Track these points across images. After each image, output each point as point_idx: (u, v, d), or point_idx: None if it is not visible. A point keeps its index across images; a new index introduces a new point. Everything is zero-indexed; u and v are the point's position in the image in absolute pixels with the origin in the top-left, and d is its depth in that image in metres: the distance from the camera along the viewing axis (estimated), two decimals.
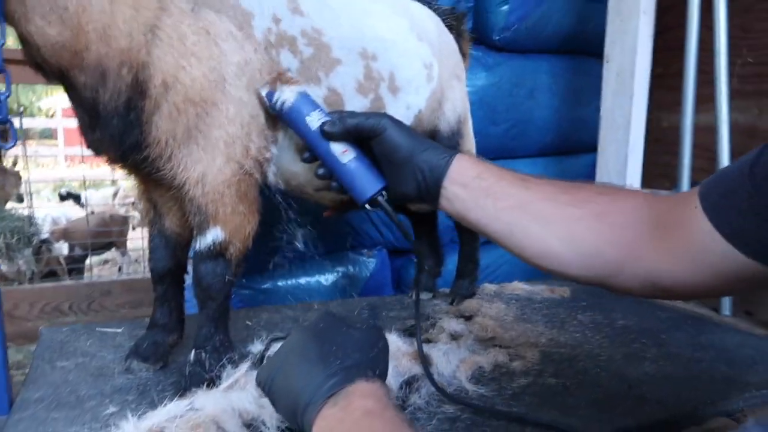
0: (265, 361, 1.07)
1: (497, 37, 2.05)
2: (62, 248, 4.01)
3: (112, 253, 4.96)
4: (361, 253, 2.10)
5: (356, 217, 2.06)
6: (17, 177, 3.70)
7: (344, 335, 0.77)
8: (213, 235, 1.03)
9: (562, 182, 0.88)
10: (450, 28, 1.49)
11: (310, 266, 2.02)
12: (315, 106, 1.00)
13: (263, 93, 1.02)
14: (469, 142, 1.54)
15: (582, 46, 2.26)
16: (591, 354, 1.27)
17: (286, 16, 1.09)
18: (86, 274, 4.21)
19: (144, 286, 3.29)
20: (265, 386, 0.78)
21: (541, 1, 2.06)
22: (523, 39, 2.10)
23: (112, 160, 1.08)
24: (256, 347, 1.17)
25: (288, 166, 1.16)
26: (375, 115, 0.94)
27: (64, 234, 4.11)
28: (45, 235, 3.80)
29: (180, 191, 1.03)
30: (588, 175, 2.44)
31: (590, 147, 2.43)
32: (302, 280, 1.99)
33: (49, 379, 1.13)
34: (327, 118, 0.97)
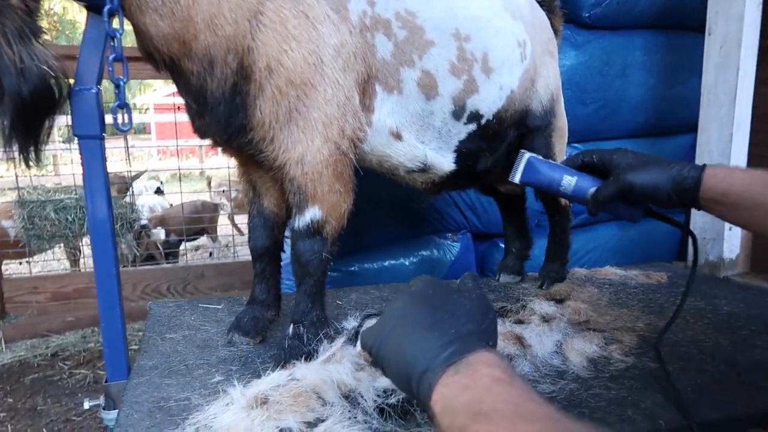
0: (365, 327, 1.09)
1: (587, 14, 1.97)
2: (159, 234, 4.28)
3: (203, 240, 5.24)
4: (446, 236, 2.10)
5: (441, 201, 2.06)
6: (124, 183, 3.99)
7: (456, 304, 0.76)
8: (311, 213, 1.07)
9: None
10: (541, 4, 1.46)
11: (395, 249, 2.04)
12: (558, 171, 1.08)
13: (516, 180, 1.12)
14: (562, 120, 1.50)
15: (679, 20, 2.13)
16: (694, 340, 1.22)
17: None
18: (180, 259, 4.47)
19: (234, 269, 3.47)
20: (372, 349, 0.77)
21: None
22: (614, 15, 2.00)
23: (219, 144, 1.14)
24: (350, 324, 1.20)
25: (381, 148, 1.18)
26: (618, 180, 1.01)
27: (161, 221, 4.39)
28: (144, 222, 4.07)
29: (280, 172, 1.07)
30: (686, 156, 2.32)
31: (688, 126, 2.30)
32: (387, 263, 2.02)
33: (160, 349, 1.21)
34: (573, 178, 1.07)
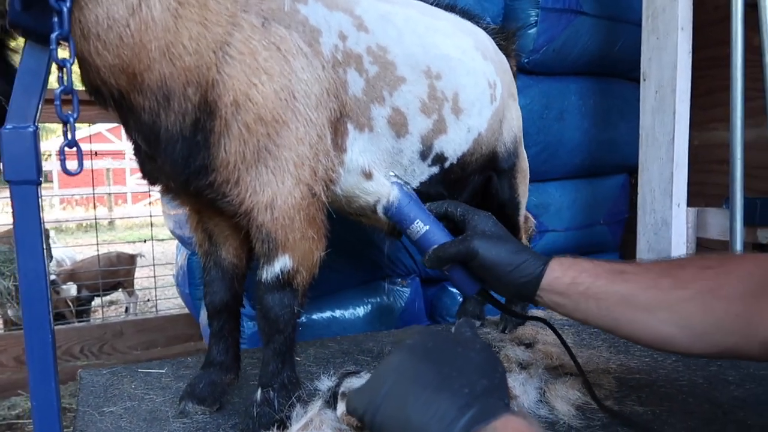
0: (342, 388, 0.98)
1: (526, 60, 2.03)
2: (70, 290, 3.90)
3: (117, 294, 4.84)
4: (395, 282, 2.03)
5: (389, 245, 1.99)
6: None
7: (462, 358, 0.67)
8: (281, 263, 0.97)
9: (662, 264, 0.88)
10: (499, 47, 1.46)
11: (343, 298, 1.94)
12: (416, 212, 1.08)
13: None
14: (524, 161, 1.50)
15: (609, 68, 2.25)
16: (669, 379, 1.21)
17: (352, 33, 1.04)
18: (92, 317, 4.09)
19: (157, 325, 3.19)
20: (366, 414, 0.67)
21: (567, 24, 2.05)
22: (551, 61, 2.08)
23: (172, 190, 1.03)
24: (324, 384, 1.09)
25: (352, 188, 1.11)
26: (465, 242, 0.98)
27: (71, 276, 4.01)
28: (53, 277, 3.70)
29: (246, 218, 0.96)
30: (619, 195, 2.41)
31: (620, 167, 2.41)
32: (336, 313, 1.91)
33: (99, 426, 1.04)
34: (425, 227, 1.05)
